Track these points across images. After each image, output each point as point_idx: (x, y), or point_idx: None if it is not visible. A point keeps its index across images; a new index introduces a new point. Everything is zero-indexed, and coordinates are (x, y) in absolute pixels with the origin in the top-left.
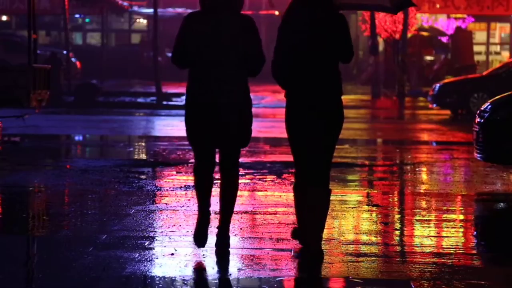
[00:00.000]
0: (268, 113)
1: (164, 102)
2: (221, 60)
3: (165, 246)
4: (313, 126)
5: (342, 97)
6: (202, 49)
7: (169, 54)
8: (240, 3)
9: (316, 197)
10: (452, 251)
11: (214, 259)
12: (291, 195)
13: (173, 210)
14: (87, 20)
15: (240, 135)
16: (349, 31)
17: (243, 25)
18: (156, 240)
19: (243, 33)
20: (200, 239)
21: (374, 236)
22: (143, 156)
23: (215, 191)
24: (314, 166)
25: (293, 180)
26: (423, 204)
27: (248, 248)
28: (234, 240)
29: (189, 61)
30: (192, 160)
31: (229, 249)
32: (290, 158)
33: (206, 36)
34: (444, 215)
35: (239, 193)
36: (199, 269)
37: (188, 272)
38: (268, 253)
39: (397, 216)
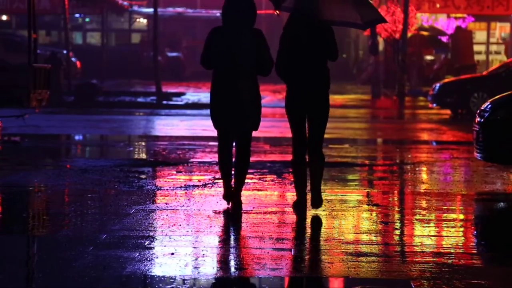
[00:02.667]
0: (268, 113)
1: (164, 102)
2: (237, 63)
3: (165, 246)
4: (305, 111)
5: (342, 96)
6: (223, 55)
7: (169, 54)
8: (252, 20)
9: (313, 165)
10: (452, 251)
11: (214, 258)
12: (291, 195)
13: (173, 209)
14: (87, 20)
15: (252, 120)
16: (334, 37)
17: (255, 37)
18: (156, 239)
19: (255, 43)
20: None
21: (374, 236)
22: (143, 156)
23: (215, 191)
24: (310, 143)
25: (292, 159)
26: (423, 204)
27: (248, 248)
28: (234, 240)
29: (213, 64)
30: (192, 160)
31: (241, 212)
32: (290, 157)
33: (226, 45)
34: (444, 215)
35: None
36: (199, 268)
37: (188, 272)
38: (268, 253)
39: (397, 216)
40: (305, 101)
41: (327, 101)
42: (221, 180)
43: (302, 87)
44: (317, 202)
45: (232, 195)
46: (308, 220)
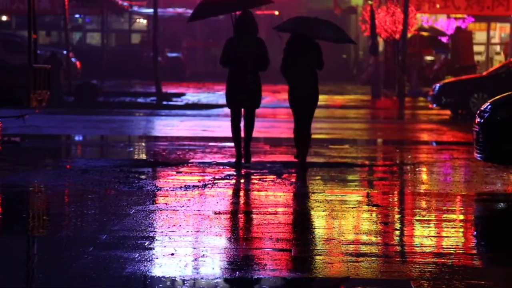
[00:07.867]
0: (268, 113)
1: (164, 102)
2: (245, 62)
3: (165, 246)
4: (301, 101)
5: (342, 96)
6: (236, 57)
7: (169, 54)
8: (255, 31)
9: (303, 137)
10: (452, 251)
11: (214, 258)
12: (291, 195)
13: (173, 210)
14: (87, 20)
15: (256, 101)
16: (321, 51)
17: (257, 43)
18: (156, 240)
19: (257, 48)
20: (239, 164)
21: (374, 236)
22: (143, 156)
23: (215, 192)
24: (302, 123)
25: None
26: (423, 204)
27: (248, 248)
28: (234, 240)
29: (229, 64)
30: (192, 160)
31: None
32: (290, 158)
33: (238, 50)
34: (444, 215)
35: (238, 193)
36: (199, 269)
37: (188, 272)
38: (268, 253)
39: (397, 216)
40: (302, 94)
41: (317, 94)
42: (234, 147)
43: (299, 86)
44: (303, 168)
45: (243, 156)
46: (308, 221)
